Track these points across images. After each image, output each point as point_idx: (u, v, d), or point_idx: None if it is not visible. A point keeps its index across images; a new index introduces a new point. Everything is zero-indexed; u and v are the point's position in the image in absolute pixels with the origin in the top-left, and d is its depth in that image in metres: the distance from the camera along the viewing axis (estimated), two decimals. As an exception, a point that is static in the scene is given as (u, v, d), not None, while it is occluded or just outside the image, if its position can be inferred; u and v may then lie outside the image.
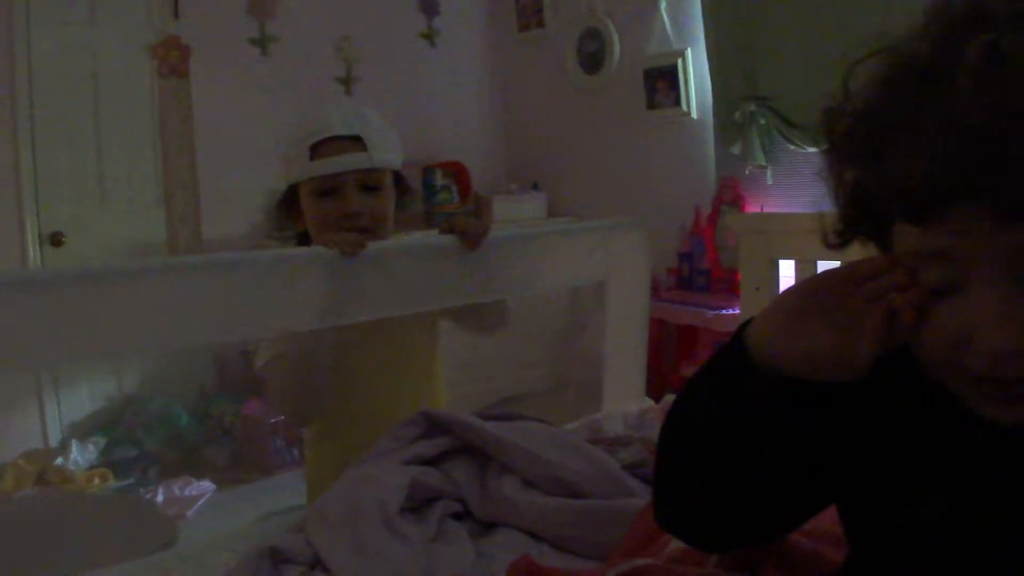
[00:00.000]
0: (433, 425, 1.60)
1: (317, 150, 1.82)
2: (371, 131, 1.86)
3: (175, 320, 1.52)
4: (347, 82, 5.06)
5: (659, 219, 4.67)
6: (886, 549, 0.81)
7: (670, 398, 2.10)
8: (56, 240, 4.12)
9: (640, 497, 1.43)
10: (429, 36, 5.41)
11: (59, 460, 3.97)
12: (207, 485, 4.03)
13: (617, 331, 2.34)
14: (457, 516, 1.48)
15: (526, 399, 4.40)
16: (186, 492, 3.97)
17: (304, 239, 1.90)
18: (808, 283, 0.77)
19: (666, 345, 4.65)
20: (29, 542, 2.27)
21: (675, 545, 1.18)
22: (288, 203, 1.90)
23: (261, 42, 4.73)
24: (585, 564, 1.34)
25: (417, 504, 1.44)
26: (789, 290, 0.79)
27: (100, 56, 4.24)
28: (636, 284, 2.30)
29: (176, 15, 4.42)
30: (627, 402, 2.19)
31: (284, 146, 1.87)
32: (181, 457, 4.32)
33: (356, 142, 1.84)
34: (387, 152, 1.88)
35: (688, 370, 4.33)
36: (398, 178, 1.95)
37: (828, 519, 1.15)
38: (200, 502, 3.92)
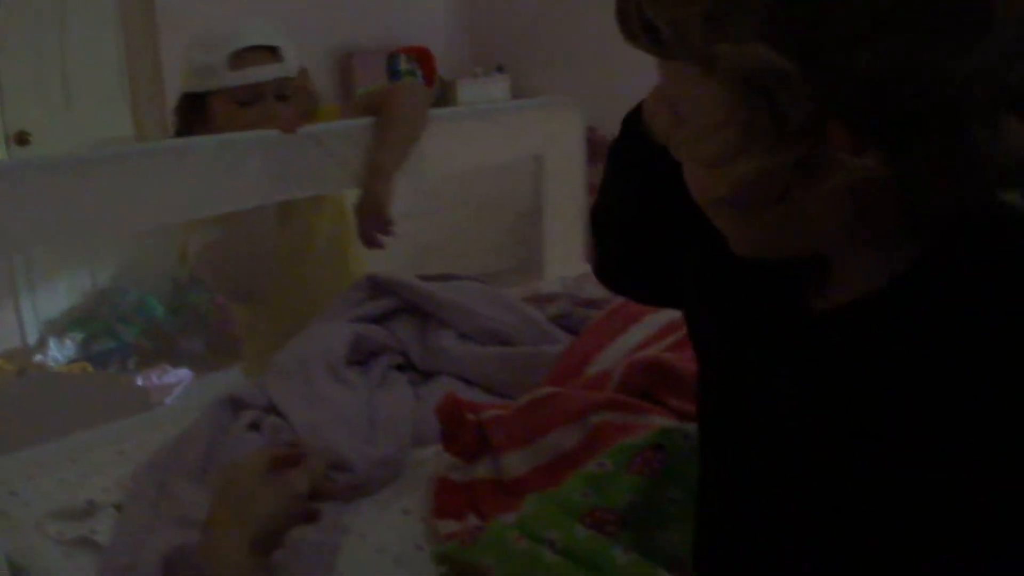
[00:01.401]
0: (377, 287, 1.72)
1: (237, 60, 1.84)
2: (283, 41, 1.91)
3: (135, 204, 1.63)
4: (309, -31, 5.00)
5: (623, 98, 4.69)
6: (740, 447, 0.83)
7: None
8: (22, 139, 4.13)
9: (562, 344, 1.57)
10: (393, -81, 5.33)
11: (38, 357, 4.06)
12: (184, 372, 4.12)
13: (554, 203, 2.45)
14: (401, 368, 1.62)
15: (490, 279, 4.50)
16: (164, 380, 4.06)
17: None
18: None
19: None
20: (9, 418, 2.39)
21: (586, 377, 1.31)
22: (193, 112, 1.90)
23: (224, -71, 4.66)
24: (509, 403, 1.46)
25: (363, 357, 1.58)
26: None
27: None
28: (572, 158, 2.43)
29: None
30: (567, 269, 2.31)
31: (193, 53, 1.88)
32: (158, 347, 4.41)
33: (273, 52, 1.88)
34: (295, 62, 1.92)
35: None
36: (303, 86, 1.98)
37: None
38: (178, 389, 4.02)
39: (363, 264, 2.13)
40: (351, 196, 1.93)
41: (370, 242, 1.86)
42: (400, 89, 2.06)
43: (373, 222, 1.83)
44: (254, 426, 1.36)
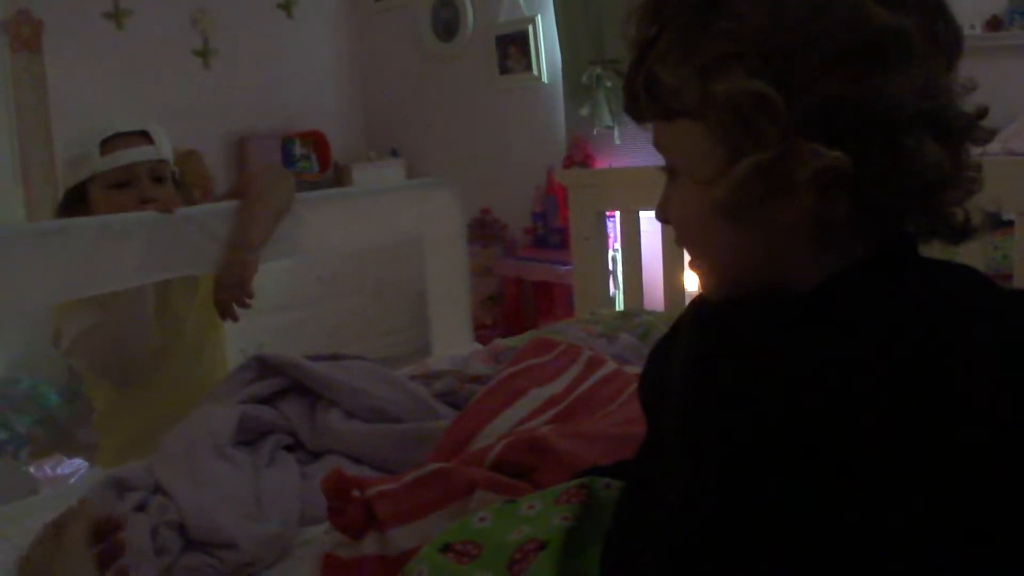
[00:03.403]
0: (266, 368, 1.75)
1: (107, 146, 1.92)
2: (155, 127, 1.99)
3: (13, 286, 1.65)
4: (204, 55, 5.04)
5: (515, 180, 4.86)
6: None
7: (498, 341, 2.26)
8: (-87, 223, 4.08)
9: (446, 419, 1.62)
10: (287, 7, 5.40)
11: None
12: (79, 463, 4.03)
13: (437, 282, 2.52)
14: (290, 448, 1.64)
15: (390, 363, 4.54)
16: (58, 471, 3.96)
17: None
18: None
19: (525, 301, 4.84)
20: None
21: (469, 452, 1.35)
22: (75, 204, 1.98)
23: (115, 16, 4.68)
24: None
25: (252, 438, 1.60)
26: None
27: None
28: (451, 237, 2.50)
29: (27, -12, 4.37)
30: (455, 348, 2.35)
31: (68, 150, 1.98)
32: (52, 438, 4.32)
33: (143, 136, 1.96)
34: (168, 149, 2.01)
35: (546, 324, 4.51)
36: (172, 177, 2.06)
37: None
38: (72, 480, 3.93)
39: (225, 361, 2.21)
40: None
41: (225, 312, 1.91)
42: (260, 172, 2.17)
43: (232, 292, 1.89)
44: (140, 507, 1.37)
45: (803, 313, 0.79)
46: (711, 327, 0.90)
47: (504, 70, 4.92)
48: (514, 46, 4.84)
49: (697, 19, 0.80)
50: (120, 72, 4.60)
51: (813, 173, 0.75)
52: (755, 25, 0.77)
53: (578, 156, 4.53)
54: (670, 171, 0.89)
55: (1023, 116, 2.95)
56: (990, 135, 0.82)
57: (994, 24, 3.28)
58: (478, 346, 2.35)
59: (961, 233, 0.83)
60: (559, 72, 4.68)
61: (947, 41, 0.80)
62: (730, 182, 0.79)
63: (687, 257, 0.92)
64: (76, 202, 1.97)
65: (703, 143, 0.82)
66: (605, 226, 2.84)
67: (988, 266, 2.21)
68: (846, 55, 0.75)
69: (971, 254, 1.91)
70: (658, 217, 0.94)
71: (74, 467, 3.98)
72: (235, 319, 1.93)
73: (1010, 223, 2.19)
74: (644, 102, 0.86)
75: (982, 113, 0.81)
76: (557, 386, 1.67)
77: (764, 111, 0.76)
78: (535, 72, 4.77)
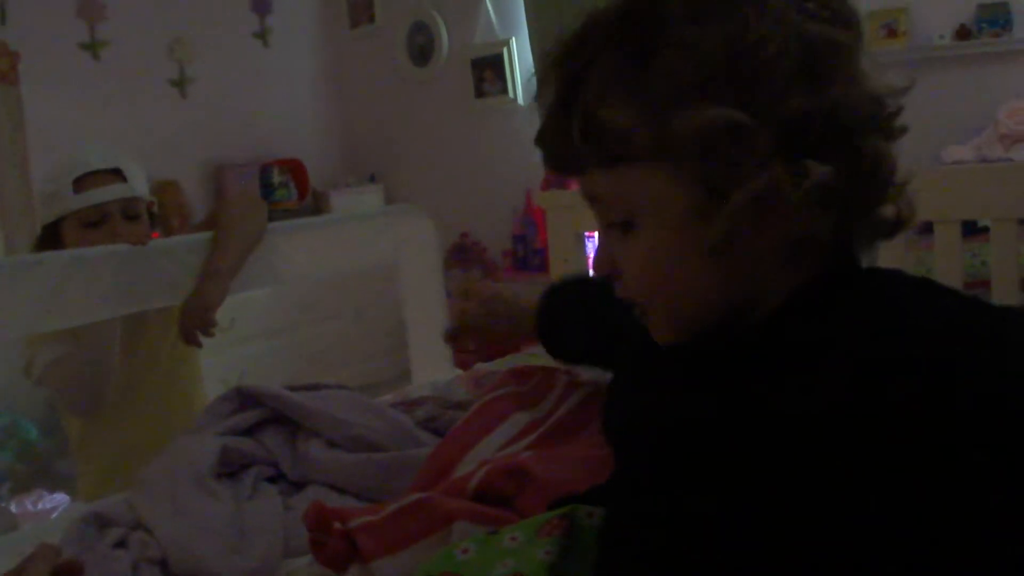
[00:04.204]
0: (246, 399, 1.73)
1: (80, 184, 1.92)
2: (128, 164, 1.99)
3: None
4: (181, 84, 5.06)
5: (493, 204, 4.86)
6: None
7: (479, 366, 2.25)
8: None
9: (428, 447, 1.61)
10: (262, 36, 5.44)
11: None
12: (61, 497, 4.00)
13: (414, 308, 2.53)
14: (272, 479, 1.63)
15: (372, 390, 4.52)
16: (40, 506, 3.93)
17: None
18: None
19: (507, 324, 4.83)
20: None
21: (452, 480, 1.35)
22: (49, 241, 1.98)
23: (92, 47, 4.70)
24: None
25: (233, 470, 1.59)
26: None
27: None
28: (427, 264, 2.50)
29: (3, 20, 4.37)
30: (435, 374, 2.34)
31: (43, 186, 1.99)
32: (33, 472, 4.28)
33: (116, 174, 1.97)
34: (142, 184, 2.01)
35: (528, 348, 4.49)
36: (148, 209, 2.07)
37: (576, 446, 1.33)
38: (54, 515, 3.89)
39: (203, 393, 2.21)
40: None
41: (188, 338, 1.92)
42: (233, 200, 2.18)
43: (195, 318, 1.90)
44: (121, 543, 1.36)
45: (776, 336, 0.79)
46: (681, 364, 0.88)
47: (480, 93, 4.94)
48: (489, 69, 4.86)
49: (637, 53, 0.77)
50: (97, 103, 4.60)
51: (804, 192, 0.74)
52: (712, 53, 0.74)
53: (556, 178, 4.53)
54: (618, 222, 0.83)
55: (994, 123, 2.97)
56: (902, 132, 0.83)
57: (963, 33, 3.32)
58: (459, 371, 2.34)
59: (897, 226, 0.84)
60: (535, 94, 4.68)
61: (860, 51, 0.81)
62: (724, 218, 0.76)
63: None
64: (50, 238, 1.97)
65: (666, 185, 0.78)
66: (584, 247, 2.84)
67: (967, 273, 2.21)
68: (802, 70, 0.75)
69: (950, 261, 1.92)
70: (601, 273, 0.88)
71: (56, 502, 3.94)
72: (199, 345, 1.94)
73: (986, 230, 2.19)
74: (581, 150, 0.80)
75: (899, 111, 0.82)
76: (539, 411, 1.66)
77: (739, 139, 0.73)
78: (511, 95, 4.80)
